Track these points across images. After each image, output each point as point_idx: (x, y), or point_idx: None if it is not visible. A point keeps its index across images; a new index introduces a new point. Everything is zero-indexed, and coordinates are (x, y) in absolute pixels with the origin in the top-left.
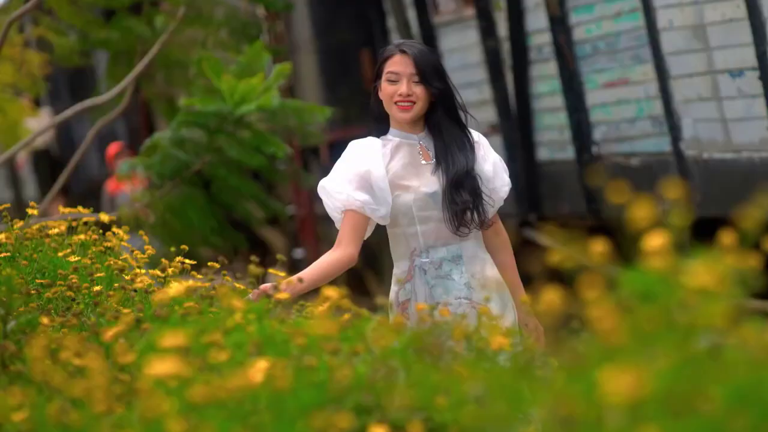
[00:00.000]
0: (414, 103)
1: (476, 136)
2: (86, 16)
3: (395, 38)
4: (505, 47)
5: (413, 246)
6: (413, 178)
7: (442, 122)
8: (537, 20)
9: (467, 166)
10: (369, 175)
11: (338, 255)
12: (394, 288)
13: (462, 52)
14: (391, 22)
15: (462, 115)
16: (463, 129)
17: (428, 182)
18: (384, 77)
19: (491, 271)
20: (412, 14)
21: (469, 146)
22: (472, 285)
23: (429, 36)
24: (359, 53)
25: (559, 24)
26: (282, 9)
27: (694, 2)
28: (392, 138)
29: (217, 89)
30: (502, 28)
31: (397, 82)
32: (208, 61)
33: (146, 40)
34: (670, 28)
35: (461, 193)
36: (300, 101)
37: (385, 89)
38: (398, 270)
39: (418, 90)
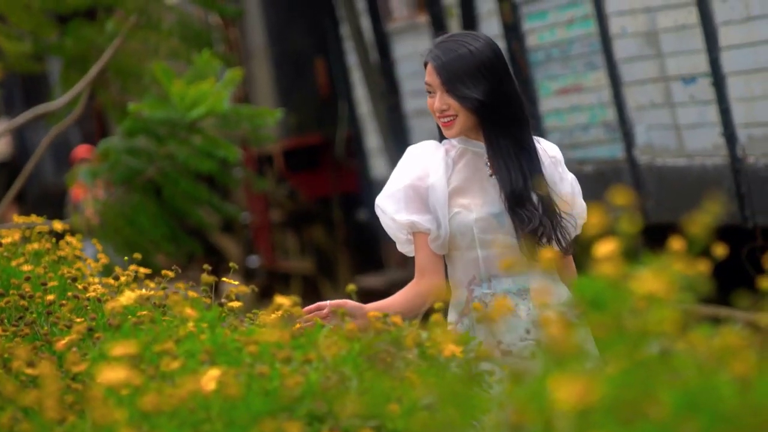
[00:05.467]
0: (455, 116)
1: (552, 150)
2: (37, 19)
3: (349, 45)
4: None
5: (472, 273)
6: (476, 194)
7: (491, 134)
8: (490, 27)
9: (522, 182)
10: (429, 191)
11: (426, 287)
12: (451, 318)
13: (415, 59)
14: (345, 30)
15: (519, 121)
16: (518, 141)
17: (493, 200)
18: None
19: None
20: (365, 21)
21: (526, 159)
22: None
23: (383, 43)
24: (313, 60)
25: (513, 31)
26: (233, 16)
27: (647, 9)
28: (456, 144)
29: (168, 96)
30: None
31: (434, 94)
32: (160, 68)
33: (100, 46)
34: (622, 34)
35: (524, 212)
36: (251, 107)
37: (428, 102)
38: (455, 300)
39: (452, 101)
